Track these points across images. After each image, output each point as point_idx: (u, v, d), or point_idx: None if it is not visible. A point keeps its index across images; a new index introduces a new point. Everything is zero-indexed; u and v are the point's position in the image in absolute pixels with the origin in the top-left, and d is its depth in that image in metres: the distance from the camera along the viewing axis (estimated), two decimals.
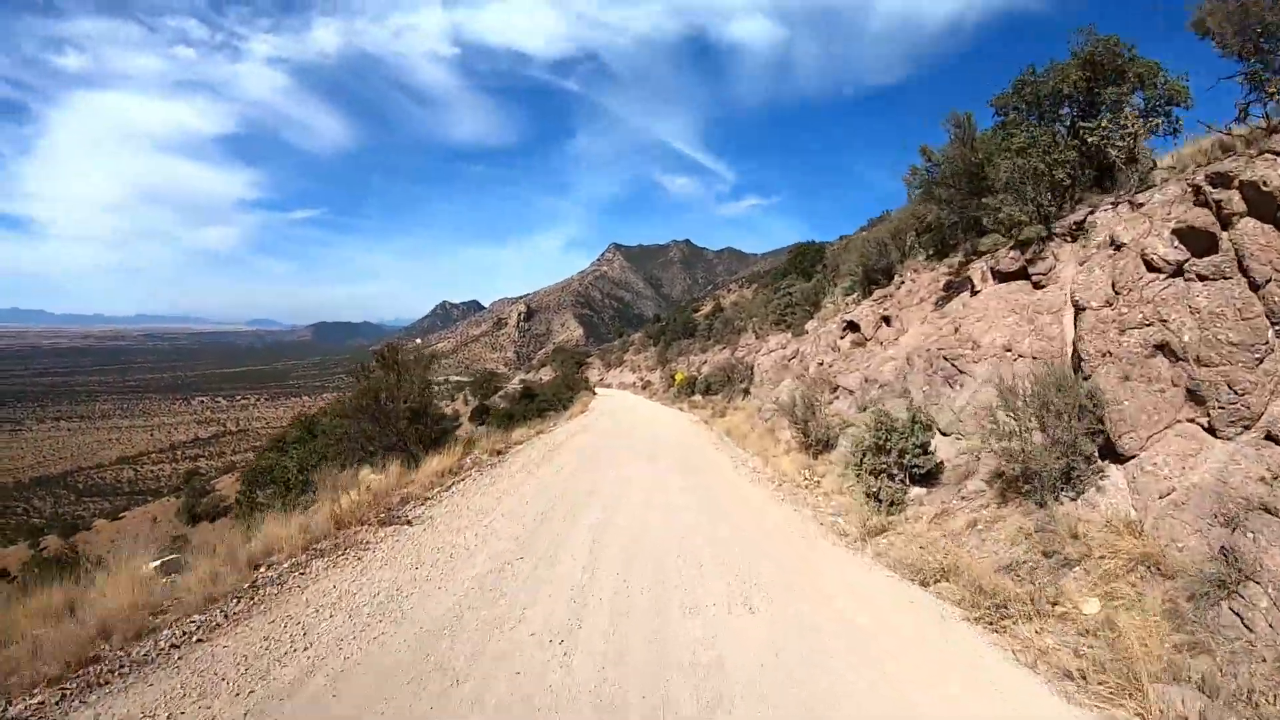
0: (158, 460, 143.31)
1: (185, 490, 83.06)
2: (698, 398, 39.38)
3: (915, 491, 10.63)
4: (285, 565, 7.66)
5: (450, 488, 12.25)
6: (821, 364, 21.09)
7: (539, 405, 38.73)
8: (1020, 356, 12.15)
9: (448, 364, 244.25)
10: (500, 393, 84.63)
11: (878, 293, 21.18)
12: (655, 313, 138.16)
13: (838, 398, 17.74)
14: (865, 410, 15.83)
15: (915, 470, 10.49)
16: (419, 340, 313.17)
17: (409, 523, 9.61)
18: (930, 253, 20.91)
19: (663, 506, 11.11)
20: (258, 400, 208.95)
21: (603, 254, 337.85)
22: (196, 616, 6.29)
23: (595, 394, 55.83)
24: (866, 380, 16.97)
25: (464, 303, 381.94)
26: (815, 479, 13.01)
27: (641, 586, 7.12)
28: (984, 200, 14.56)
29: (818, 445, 14.49)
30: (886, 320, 19.28)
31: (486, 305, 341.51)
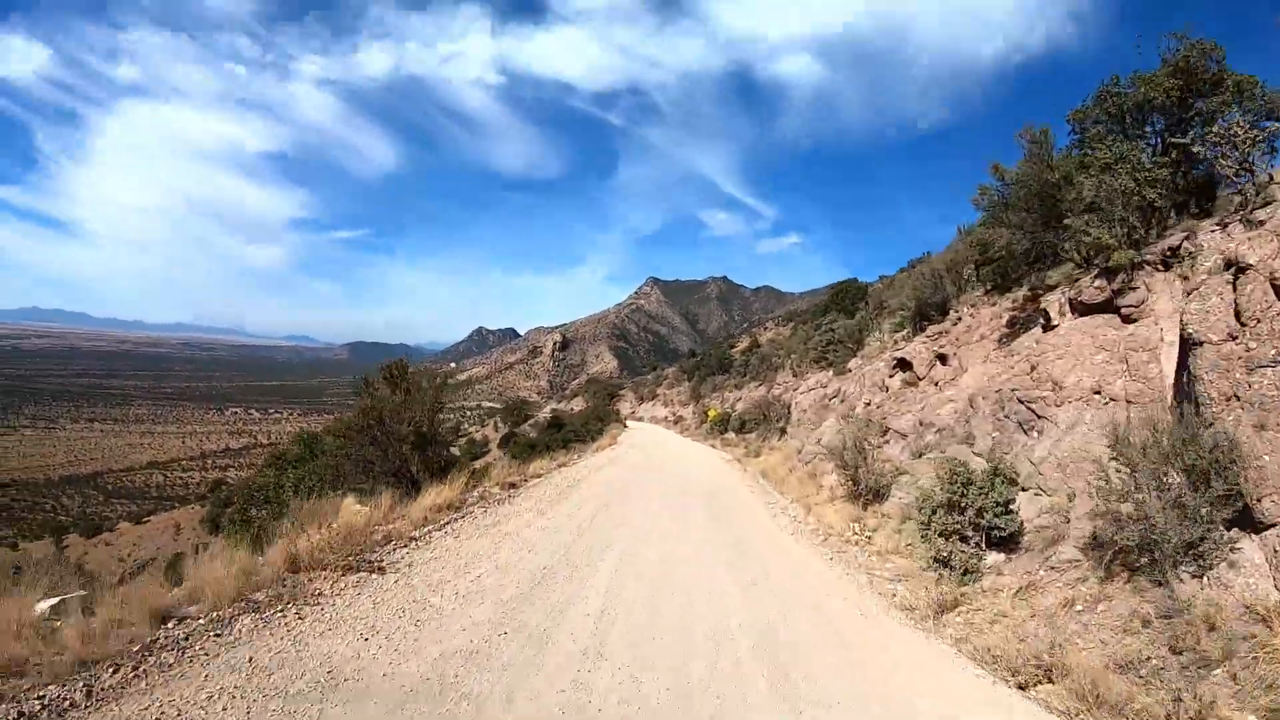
0: (188, 467, 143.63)
1: (210, 500, 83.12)
2: (731, 435, 37.56)
3: (992, 558, 8.81)
4: (202, 620, 6.01)
5: (445, 526, 10.59)
6: (869, 404, 19.29)
7: (564, 436, 37.17)
8: (1112, 400, 10.36)
9: (481, 389, 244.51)
10: (530, 421, 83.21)
11: (931, 329, 19.39)
12: (690, 348, 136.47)
13: (888, 441, 15.92)
14: (920, 456, 14.04)
15: (994, 532, 8.68)
16: (454, 364, 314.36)
17: (380, 570, 7.96)
18: (990, 286, 19.16)
19: (690, 563, 9.40)
20: (291, 415, 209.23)
21: (640, 287, 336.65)
22: (51, 689, 4.68)
23: (626, 426, 54.16)
24: (921, 423, 15.17)
25: (500, 330, 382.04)
26: (866, 534, 11.21)
27: (659, 688, 5.37)
28: (1066, 222, 12.81)
29: (868, 494, 12.67)
30: (942, 358, 17.50)
31: (522, 333, 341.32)
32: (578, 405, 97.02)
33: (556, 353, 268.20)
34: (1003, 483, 8.57)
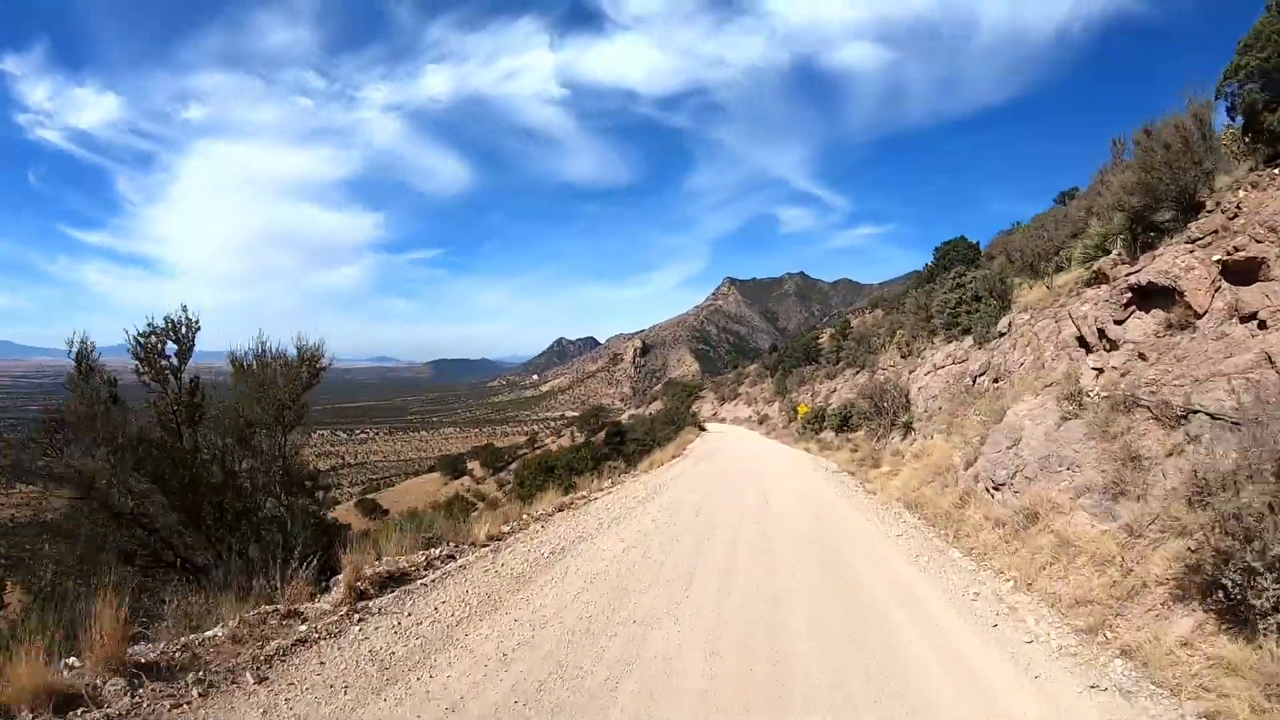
0: None
1: None
2: (829, 435, 29.12)
3: None
4: None
5: None
6: (1102, 372, 10.62)
7: (600, 454, 29.28)
8: None
9: (564, 399, 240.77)
10: (606, 429, 75.66)
11: (1195, 227, 10.73)
12: (772, 344, 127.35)
13: (1181, 434, 7.41)
14: None
15: None
16: (535, 376, 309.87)
17: None
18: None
19: None
20: (376, 434, 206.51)
21: (717, 288, 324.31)
22: None
23: (703, 430, 46.32)
24: None
25: (580, 339, 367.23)
26: None
27: None
28: None
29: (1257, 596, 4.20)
30: (1235, 272, 8.99)
31: (603, 341, 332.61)
32: (657, 409, 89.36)
33: (637, 359, 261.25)
34: None
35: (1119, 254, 13.28)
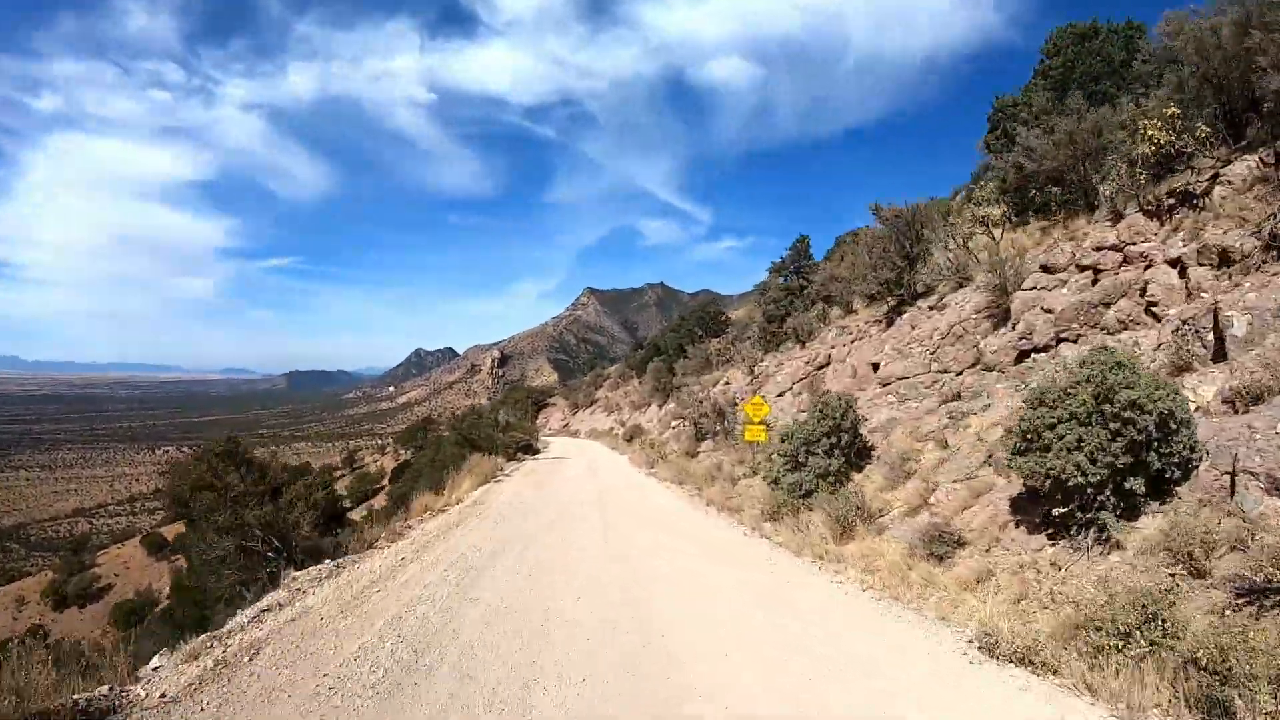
0: (115, 513, 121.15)
1: (61, 566, 60.89)
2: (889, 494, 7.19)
3: None
4: None
5: None
6: None
7: None
8: None
9: (420, 411, 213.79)
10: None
11: None
12: (636, 344, 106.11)
13: None
14: None
15: None
16: (392, 388, 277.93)
17: None
18: None
19: None
20: None
21: (577, 298, 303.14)
22: None
23: (531, 454, 23.91)
24: None
25: (438, 350, 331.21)
26: None
27: None
28: None
29: None
30: None
31: (461, 352, 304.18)
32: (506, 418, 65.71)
33: (495, 369, 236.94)
34: None
35: None
